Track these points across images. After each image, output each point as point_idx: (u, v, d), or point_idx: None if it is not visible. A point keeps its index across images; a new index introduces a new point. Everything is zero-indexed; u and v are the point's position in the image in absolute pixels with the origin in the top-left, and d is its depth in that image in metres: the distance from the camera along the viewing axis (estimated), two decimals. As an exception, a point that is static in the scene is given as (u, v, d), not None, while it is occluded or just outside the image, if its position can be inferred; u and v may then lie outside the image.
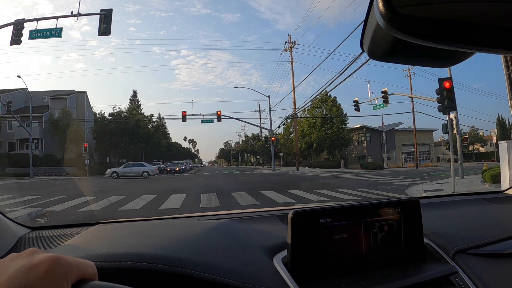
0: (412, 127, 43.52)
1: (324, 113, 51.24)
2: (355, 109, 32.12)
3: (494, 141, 35.45)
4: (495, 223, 1.62)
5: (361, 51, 0.72)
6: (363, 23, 0.65)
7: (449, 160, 16.63)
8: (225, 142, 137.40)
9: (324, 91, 31.72)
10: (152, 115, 66.72)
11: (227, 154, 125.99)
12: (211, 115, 40.44)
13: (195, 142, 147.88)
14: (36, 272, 0.48)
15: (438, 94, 12.49)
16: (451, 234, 1.39)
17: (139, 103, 72.68)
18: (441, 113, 12.79)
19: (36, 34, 19.14)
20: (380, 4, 0.51)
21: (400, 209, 1.25)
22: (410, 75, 39.68)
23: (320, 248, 1.11)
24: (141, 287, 0.90)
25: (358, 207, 1.20)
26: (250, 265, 1.11)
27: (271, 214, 1.66)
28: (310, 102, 43.36)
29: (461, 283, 1.16)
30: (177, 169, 46.59)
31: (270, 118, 45.13)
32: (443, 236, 1.36)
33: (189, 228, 1.42)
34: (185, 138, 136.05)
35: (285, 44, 44.09)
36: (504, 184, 10.05)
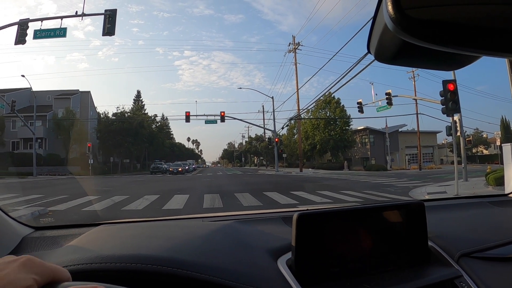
0: (416, 129, 43.39)
1: (327, 115, 51.18)
2: (359, 111, 32.02)
3: (498, 143, 35.43)
4: (499, 226, 1.62)
5: (365, 52, 0.73)
6: (370, 26, 0.65)
7: (452, 162, 16.60)
8: (228, 143, 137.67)
9: (327, 92, 31.72)
10: (155, 115, 67.11)
11: (230, 154, 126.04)
12: (214, 115, 40.40)
13: (199, 142, 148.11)
14: (10, 265, 0.56)
15: (442, 96, 12.49)
16: (455, 237, 1.38)
17: (143, 103, 72.93)
18: (445, 115, 12.79)
19: (40, 34, 19.17)
20: (389, 7, 0.51)
21: (404, 211, 1.24)
22: (414, 77, 39.54)
23: (324, 251, 1.11)
24: None
25: (363, 210, 1.19)
26: (254, 267, 1.11)
27: (275, 216, 1.66)
28: (314, 104, 43.29)
29: (466, 286, 1.16)
30: (180, 169, 46.35)
31: (274, 119, 45.26)
32: (448, 239, 1.35)
33: (193, 229, 1.42)
34: (188, 139, 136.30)
35: (289, 45, 44.07)
36: (508, 187, 9.97)
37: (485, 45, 0.53)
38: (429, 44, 0.53)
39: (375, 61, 0.70)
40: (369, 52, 0.70)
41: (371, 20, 0.63)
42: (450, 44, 0.53)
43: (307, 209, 1.16)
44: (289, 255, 1.15)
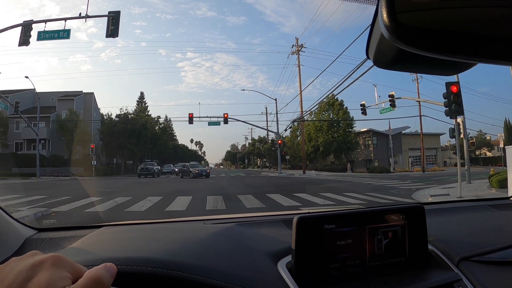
0: (419, 131, 43.38)
1: (331, 117, 51.16)
2: (362, 113, 32.08)
3: (501, 145, 35.31)
4: (500, 230, 1.61)
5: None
6: (368, 32, 0.65)
7: (456, 165, 16.55)
8: (231, 145, 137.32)
9: (331, 94, 31.72)
10: (159, 117, 67.12)
11: (233, 156, 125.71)
12: (217, 117, 40.40)
13: (202, 144, 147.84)
14: (42, 267, 0.52)
15: (445, 98, 12.47)
16: (455, 241, 1.38)
17: (146, 104, 72.96)
18: (448, 117, 12.76)
19: (44, 36, 19.24)
20: (385, 15, 0.51)
21: (405, 215, 1.24)
22: (417, 79, 39.53)
23: (324, 254, 1.11)
24: None
25: (363, 213, 1.19)
26: (254, 270, 1.11)
27: (276, 219, 1.66)
28: (317, 105, 43.27)
29: None
30: (208, 171, 37.01)
31: (277, 121, 45.15)
32: (448, 243, 1.35)
33: (194, 232, 1.43)
34: (191, 140, 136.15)
35: (292, 47, 44.08)
36: (511, 190, 9.98)
37: (482, 52, 0.52)
38: (425, 52, 0.52)
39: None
40: (368, 57, 0.70)
41: (370, 26, 0.64)
42: (446, 52, 0.52)
43: (308, 212, 1.17)
44: (289, 258, 1.16)
